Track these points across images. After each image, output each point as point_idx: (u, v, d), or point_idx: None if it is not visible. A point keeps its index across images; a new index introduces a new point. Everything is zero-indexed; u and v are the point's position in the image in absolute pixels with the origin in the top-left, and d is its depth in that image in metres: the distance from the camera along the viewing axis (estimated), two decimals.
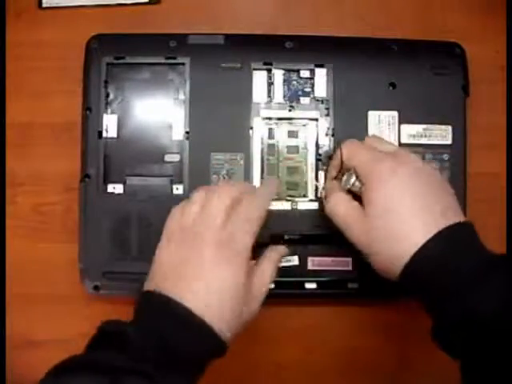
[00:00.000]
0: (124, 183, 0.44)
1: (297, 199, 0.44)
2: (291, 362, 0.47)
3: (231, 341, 0.33)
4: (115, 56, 0.44)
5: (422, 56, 0.44)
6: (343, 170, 0.39)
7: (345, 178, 0.38)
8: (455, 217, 0.34)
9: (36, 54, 0.47)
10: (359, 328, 0.47)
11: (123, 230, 0.43)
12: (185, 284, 0.33)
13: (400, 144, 0.44)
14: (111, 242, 0.43)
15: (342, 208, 0.38)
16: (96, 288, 0.43)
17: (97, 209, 0.43)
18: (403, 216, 0.34)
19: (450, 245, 0.33)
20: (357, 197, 0.38)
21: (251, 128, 0.44)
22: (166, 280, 0.33)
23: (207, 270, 0.33)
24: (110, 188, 0.44)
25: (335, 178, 0.40)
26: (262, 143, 0.44)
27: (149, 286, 0.34)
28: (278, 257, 0.38)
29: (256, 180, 0.44)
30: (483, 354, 0.31)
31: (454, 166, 0.44)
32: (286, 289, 0.44)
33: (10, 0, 0.46)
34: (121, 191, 0.44)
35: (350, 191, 0.38)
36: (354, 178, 0.38)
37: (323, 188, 0.42)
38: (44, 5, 0.47)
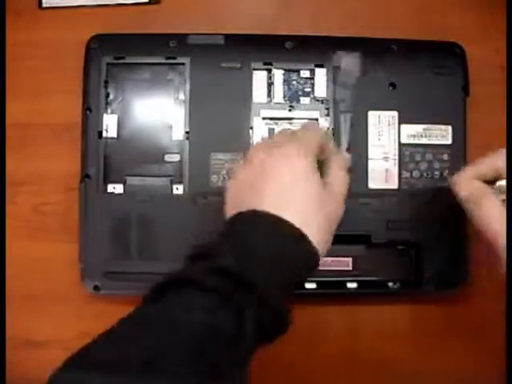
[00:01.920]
0: (124, 183, 0.44)
1: None
2: (291, 362, 0.47)
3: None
4: (115, 56, 0.44)
5: (421, 56, 0.44)
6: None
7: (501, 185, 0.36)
8: None
9: (36, 54, 0.46)
10: (359, 328, 0.47)
11: (123, 229, 0.43)
12: (284, 200, 0.32)
13: (400, 144, 0.44)
14: (111, 242, 0.43)
15: (498, 221, 0.35)
16: (96, 288, 0.43)
17: (97, 209, 0.43)
18: None
19: None
20: None
21: (251, 128, 0.44)
22: (259, 198, 0.32)
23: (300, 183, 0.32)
24: (110, 188, 0.44)
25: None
26: None
27: (235, 209, 0.33)
28: (344, 163, 0.37)
29: None
30: None
31: (454, 165, 0.44)
32: None
33: (9, 0, 0.46)
34: (121, 191, 0.44)
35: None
36: None
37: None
38: (44, 5, 0.47)
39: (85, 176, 0.43)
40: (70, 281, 0.45)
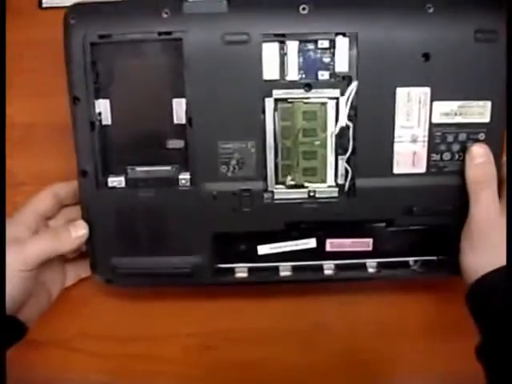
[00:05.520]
0: (125, 174, 0.40)
1: (314, 186, 0.41)
2: (291, 362, 0.48)
3: None
4: (99, 34, 0.37)
5: (463, 19, 0.37)
6: None
7: None
8: None
9: (36, 54, 0.45)
10: (359, 328, 0.47)
11: (130, 224, 0.41)
12: None
13: (431, 124, 0.39)
14: (119, 238, 0.41)
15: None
16: (109, 281, 0.42)
17: (99, 205, 0.40)
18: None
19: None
20: None
21: (262, 111, 0.39)
22: None
23: None
24: (111, 182, 0.40)
25: None
26: (275, 127, 0.39)
27: None
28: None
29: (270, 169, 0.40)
30: None
31: (490, 147, 0.39)
32: (302, 273, 0.43)
33: (9, 0, 0.44)
34: (122, 184, 0.40)
35: None
36: None
37: None
38: (44, 5, 0.46)
39: (82, 172, 0.40)
40: None
